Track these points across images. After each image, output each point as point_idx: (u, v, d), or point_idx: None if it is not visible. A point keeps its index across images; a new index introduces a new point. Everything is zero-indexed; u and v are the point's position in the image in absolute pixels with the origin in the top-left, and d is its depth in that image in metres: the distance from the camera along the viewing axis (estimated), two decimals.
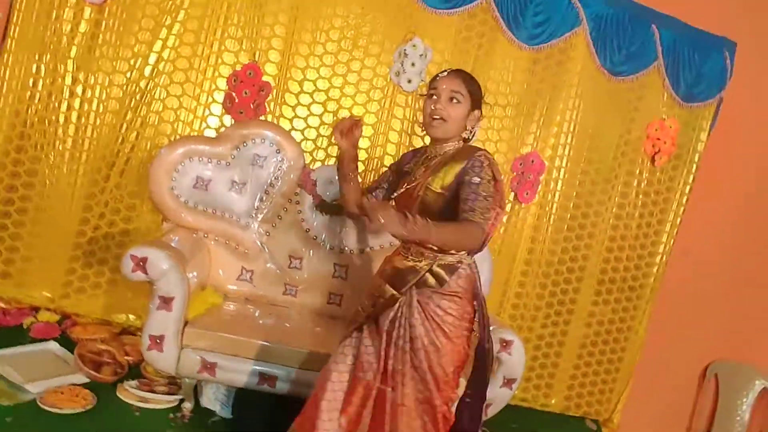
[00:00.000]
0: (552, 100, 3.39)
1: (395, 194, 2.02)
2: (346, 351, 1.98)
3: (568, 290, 3.55)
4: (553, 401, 3.65)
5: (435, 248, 1.89)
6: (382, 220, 1.58)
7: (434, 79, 1.96)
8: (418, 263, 1.92)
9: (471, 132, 1.97)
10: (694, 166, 3.59)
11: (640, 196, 3.57)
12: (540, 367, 3.60)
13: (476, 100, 1.95)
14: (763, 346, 3.90)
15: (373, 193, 2.14)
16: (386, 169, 2.25)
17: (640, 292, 3.64)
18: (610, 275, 3.60)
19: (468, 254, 1.94)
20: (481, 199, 1.79)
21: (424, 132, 1.99)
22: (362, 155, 3.23)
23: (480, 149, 1.92)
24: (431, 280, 1.90)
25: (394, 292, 1.92)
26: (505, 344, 2.56)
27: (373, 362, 1.92)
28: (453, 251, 1.90)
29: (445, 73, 1.95)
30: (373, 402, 1.90)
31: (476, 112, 1.96)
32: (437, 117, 1.90)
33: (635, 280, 3.63)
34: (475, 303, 1.95)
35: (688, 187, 3.61)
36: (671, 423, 3.90)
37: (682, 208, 3.62)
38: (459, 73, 1.96)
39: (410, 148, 2.20)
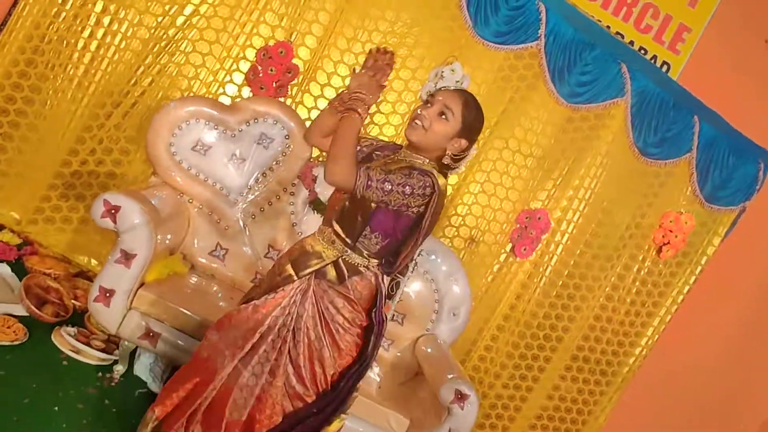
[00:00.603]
0: (575, 162, 3.29)
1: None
2: None
3: (539, 357, 3.42)
4: None
5: (348, 240, 1.80)
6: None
7: (439, 89, 1.88)
8: (325, 251, 1.82)
9: (451, 159, 1.81)
10: (699, 268, 3.48)
11: (637, 284, 3.45)
12: (490, 427, 3.45)
13: (468, 129, 1.81)
14: None
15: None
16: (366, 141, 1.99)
17: (612, 379, 3.51)
18: (585, 353, 3.47)
19: (378, 265, 1.84)
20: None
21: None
22: None
23: (428, 172, 1.75)
24: (332, 273, 1.81)
25: (292, 273, 1.81)
26: (460, 396, 2.41)
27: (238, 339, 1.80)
28: (356, 242, 1.80)
29: (452, 90, 1.86)
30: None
31: (463, 141, 1.81)
32: (417, 120, 1.79)
33: (609, 366, 3.50)
34: (372, 316, 1.82)
35: (687, 288, 3.49)
36: None
37: (675, 307, 3.50)
38: (463, 94, 1.85)
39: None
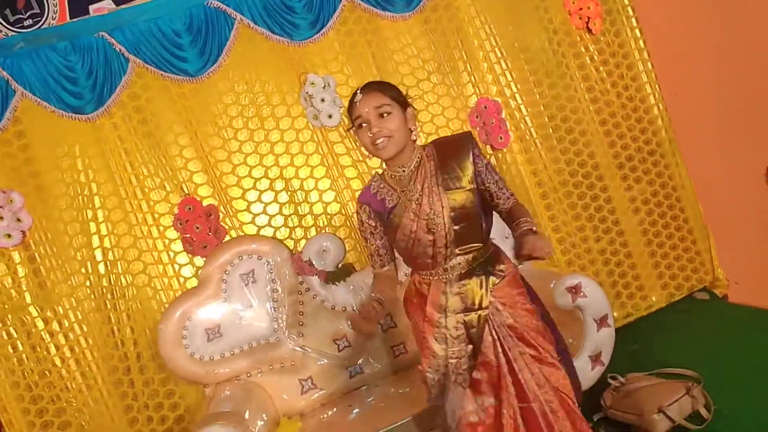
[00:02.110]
0: (465, 45, 3.22)
1: (405, 237, 1.83)
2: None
3: (596, 194, 3.35)
4: (654, 299, 3.44)
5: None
6: (547, 250, 1.61)
7: (352, 106, 1.81)
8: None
9: (415, 132, 1.85)
10: (630, 9, 3.39)
11: (602, 68, 3.37)
12: (620, 277, 3.39)
13: (401, 101, 1.83)
14: None
15: (379, 253, 1.94)
16: (362, 228, 1.96)
17: (661, 150, 3.43)
18: (624, 154, 3.40)
19: None
20: (502, 178, 1.86)
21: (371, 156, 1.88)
22: (335, 208, 3.09)
23: (465, 133, 1.91)
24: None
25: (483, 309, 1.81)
26: (574, 290, 2.36)
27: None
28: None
29: (360, 96, 1.79)
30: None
31: (409, 110, 1.84)
32: (380, 139, 1.75)
33: (649, 143, 3.42)
34: None
35: (637, 31, 3.40)
36: None
37: (645, 53, 3.41)
38: (371, 87, 1.83)
39: (373, 175, 2.00)
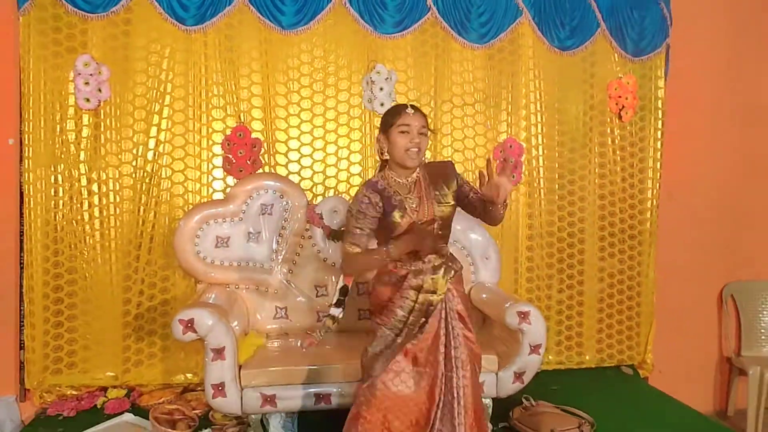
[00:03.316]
0: (514, 87, 3.69)
1: (397, 230, 2.21)
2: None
3: (573, 253, 3.82)
4: (587, 357, 3.91)
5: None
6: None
7: (402, 114, 2.16)
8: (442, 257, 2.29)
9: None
10: (660, 112, 3.86)
11: (618, 152, 3.84)
12: (567, 329, 3.86)
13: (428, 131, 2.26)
14: (766, 262, 4.13)
15: (361, 238, 2.23)
16: (363, 209, 2.20)
17: (641, 238, 3.89)
18: (608, 230, 3.86)
19: None
20: (474, 187, 2.32)
21: (388, 161, 2.24)
22: (356, 181, 3.53)
23: (449, 161, 2.45)
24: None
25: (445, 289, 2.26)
26: (523, 315, 2.82)
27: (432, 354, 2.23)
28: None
29: (411, 111, 2.16)
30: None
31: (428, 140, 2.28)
32: (415, 149, 2.16)
33: (633, 229, 3.88)
34: None
35: (659, 133, 3.87)
36: (701, 351, 4.12)
37: (659, 153, 3.87)
38: (419, 111, 2.21)
39: (375, 176, 2.32)
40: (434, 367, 2.21)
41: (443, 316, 2.26)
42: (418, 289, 2.24)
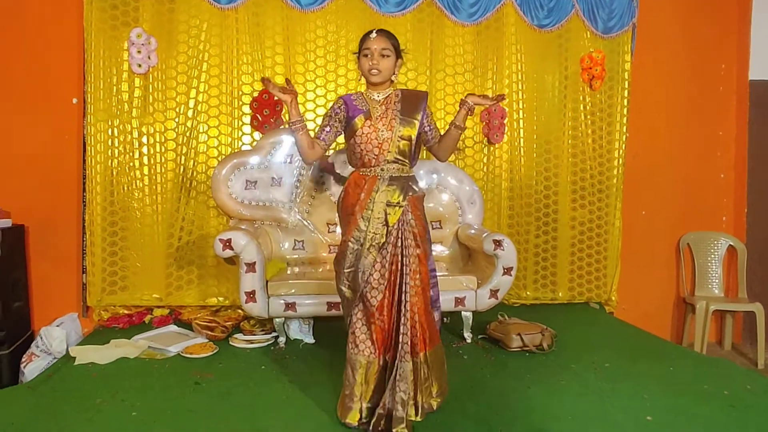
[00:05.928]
0: (499, 60, 4.29)
1: (362, 136, 2.44)
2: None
3: (549, 204, 4.43)
4: (560, 294, 4.53)
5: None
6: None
7: (366, 39, 2.43)
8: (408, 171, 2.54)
9: (396, 75, 2.53)
10: (626, 83, 4.45)
11: (588, 117, 4.44)
12: (542, 269, 4.49)
13: (398, 51, 2.49)
14: (719, 216, 4.74)
15: (325, 131, 2.52)
16: (331, 113, 2.52)
17: (608, 192, 4.50)
18: (580, 185, 4.47)
19: None
20: (436, 128, 2.59)
21: (361, 80, 2.55)
22: None
23: (424, 92, 2.67)
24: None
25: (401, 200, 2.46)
26: (497, 243, 3.45)
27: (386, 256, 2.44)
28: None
29: (374, 35, 2.42)
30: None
31: (399, 60, 2.51)
32: (374, 70, 2.43)
33: (601, 184, 4.49)
34: None
35: (625, 101, 4.46)
36: (661, 291, 4.75)
37: (625, 118, 4.47)
38: (384, 33, 2.44)
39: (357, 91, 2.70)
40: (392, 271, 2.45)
41: (400, 227, 2.45)
42: (373, 199, 2.44)
